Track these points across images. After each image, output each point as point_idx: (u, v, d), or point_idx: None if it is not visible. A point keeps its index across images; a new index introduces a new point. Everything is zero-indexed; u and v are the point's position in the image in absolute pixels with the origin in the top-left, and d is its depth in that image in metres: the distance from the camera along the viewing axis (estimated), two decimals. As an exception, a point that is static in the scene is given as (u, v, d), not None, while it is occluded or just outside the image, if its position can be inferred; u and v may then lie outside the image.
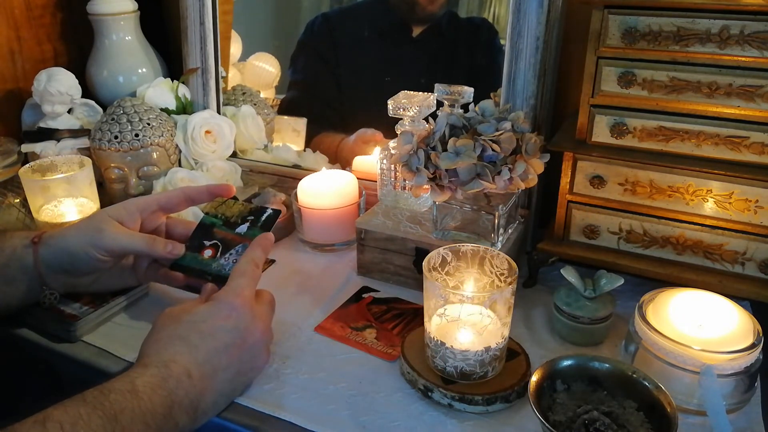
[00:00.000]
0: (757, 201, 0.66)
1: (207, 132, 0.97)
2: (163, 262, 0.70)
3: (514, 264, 0.59)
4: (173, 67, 1.11)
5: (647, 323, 0.59)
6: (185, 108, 1.01)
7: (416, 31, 1.01)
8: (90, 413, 0.47)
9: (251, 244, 0.66)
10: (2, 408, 0.70)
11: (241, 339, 0.58)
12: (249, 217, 0.70)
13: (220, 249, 0.68)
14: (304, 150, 1.06)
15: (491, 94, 0.83)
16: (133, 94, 1.01)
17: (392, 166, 0.81)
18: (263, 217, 0.70)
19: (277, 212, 0.71)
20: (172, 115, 0.98)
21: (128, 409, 0.49)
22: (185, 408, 0.53)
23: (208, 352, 0.56)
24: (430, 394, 0.59)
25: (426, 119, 0.76)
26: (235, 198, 0.73)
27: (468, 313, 0.59)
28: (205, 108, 1.03)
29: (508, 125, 0.69)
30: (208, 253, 0.68)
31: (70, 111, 1.00)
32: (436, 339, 0.58)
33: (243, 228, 0.70)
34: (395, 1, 1.02)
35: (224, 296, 0.60)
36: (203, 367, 0.55)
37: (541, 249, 0.77)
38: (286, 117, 1.10)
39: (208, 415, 0.56)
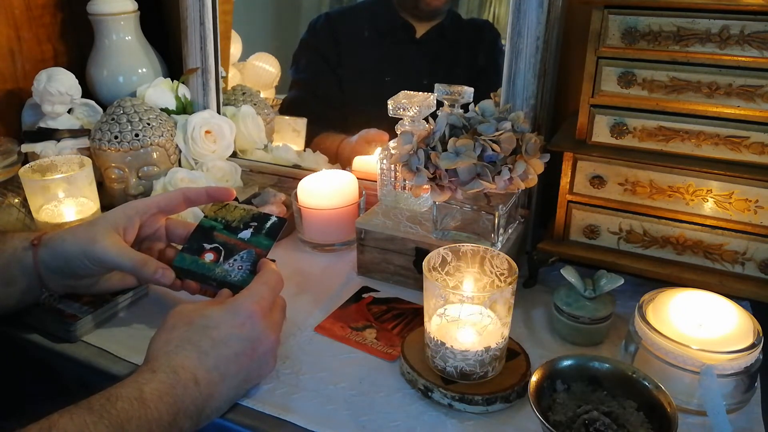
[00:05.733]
0: (757, 201, 0.66)
1: (207, 132, 0.97)
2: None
3: (514, 264, 0.59)
4: (173, 67, 1.11)
5: (647, 323, 0.59)
6: (185, 108, 1.01)
7: (420, 31, 1.01)
8: (96, 422, 0.47)
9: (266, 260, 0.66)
10: (3, 408, 0.70)
11: (251, 349, 0.58)
12: (252, 223, 0.70)
13: (223, 254, 0.68)
14: (304, 150, 1.06)
15: (491, 94, 0.83)
16: (133, 94, 1.01)
17: (392, 166, 0.81)
18: (268, 224, 0.69)
19: (282, 221, 0.70)
20: (172, 115, 0.99)
21: (135, 418, 0.48)
22: (190, 414, 0.53)
23: (218, 359, 0.56)
24: (430, 394, 0.59)
25: (426, 119, 0.76)
26: (236, 200, 0.73)
27: (468, 313, 0.59)
28: (205, 108, 1.03)
29: (508, 125, 0.69)
30: (209, 256, 0.68)
31: (70, 111, 1.00)
32: (436, 339, 0.58)
33: (246, 234, 0.69)
34: None
35: (242, 301, 0.59)
36: (211, 374, 0.55)
37: (541, 249, 0.77)
38: (286, 117, 1.10)
39: (210, 419, 0.56)
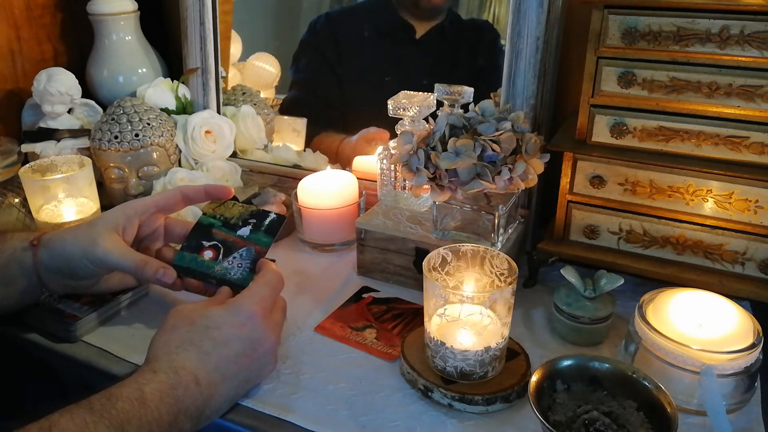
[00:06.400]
0: (757, 201, 0.66)
1: (207, 132, 0.97)
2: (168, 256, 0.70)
3: (514, 264, 0.59)
4: (173, 67, 1.11)
5: (647, 323, 0.59)
6: (185, 108, 1.01)
7: (420, 31, 1.01)
8: (96, 422, 0.47)
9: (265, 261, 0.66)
10: (3, 408, 0.70)
11: (252, 349, 0.58)
12: (251, 220, 0.70)
13: (222, 251, 0.68)
14: (304, 150, 1.06)
15: (491, 94, 0.83)
16: (133, 94, 1.01)
17: (392, 166, 0.81)
18: (267, 221, 0.69)
19: (281, 218, 0.70)
20: (172, 115, 0.98)
21: (135, 419, 0.48)
22: (190, 415, 0.53)
23: (219, 360, 0.56)
24: (430, 394, 0.59)
25: (426, 119, 0.76)
26: (235, 198, 0.73)
27: (468, 313, 0.59)
28: (205, 108, 1.03)
29: (508, 125, 0.69)
30: (208, 254, 0.68)
31: (70, 111, 1.00)
32: (436, 339, 0.58)
33: (245, 231, 0.69)
34: None
35: (243, 302, 0.59)
36: (212, 375, 0.55)
37: (541, 249, 0.77)
38: (286, 117, 1.10)
39: (210, 419, 0.56)
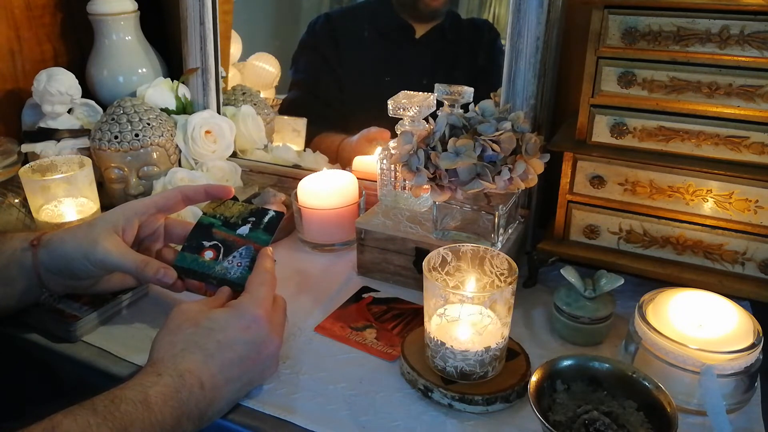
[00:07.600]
0: (757, 201, 0.66)
1: (207, 132, 0.97)
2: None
3: (514, 264, 0.59)
4: (173, 67, 1.11)
5: (647, 323, 0.59)
6: (185, 108, 1.01)
7: (419, 32, 1.01)
8: (100, 424, 0.47)
9: (260, 254, 0.65)
10: (3, 408, 0.70)
11: (256, 352, 0.58)
12: (250, 218, 0.70)
13: (222, 251, 0.68)
14: (304, 150, 1.06)
15: (491, 94, 0.83)
16: (133, 94, 1.01)
17: (392, 166, 0.81)
18: (266, 219, 0.69)
19: (280, 215, 0.70)
20: (172, 115, 0.98)
21: (138, 421, 0.48)
22: (193, 417, 0.53)
23: (223, 363, 0.56)
24: (430, 394, 0.59)
25: (426, 119, 0.76)
26: (234, 198, 0.73)
27: (468, 313, 0.59)
28: (205, 108, 1.03)
29: (508, 125, 0.69)
30: (209, 254, 0.68)
31: (70, 111, 0.99)
32: (436, 339, 0.58)
33: (244, 229, 0.69)
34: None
35: (247, 305, 0.59)
36: (216, 378, 0.55)
37: (541, 249, 0.77)
38: (286, 117, 1.10)
39: (212, 421, 0.56)
